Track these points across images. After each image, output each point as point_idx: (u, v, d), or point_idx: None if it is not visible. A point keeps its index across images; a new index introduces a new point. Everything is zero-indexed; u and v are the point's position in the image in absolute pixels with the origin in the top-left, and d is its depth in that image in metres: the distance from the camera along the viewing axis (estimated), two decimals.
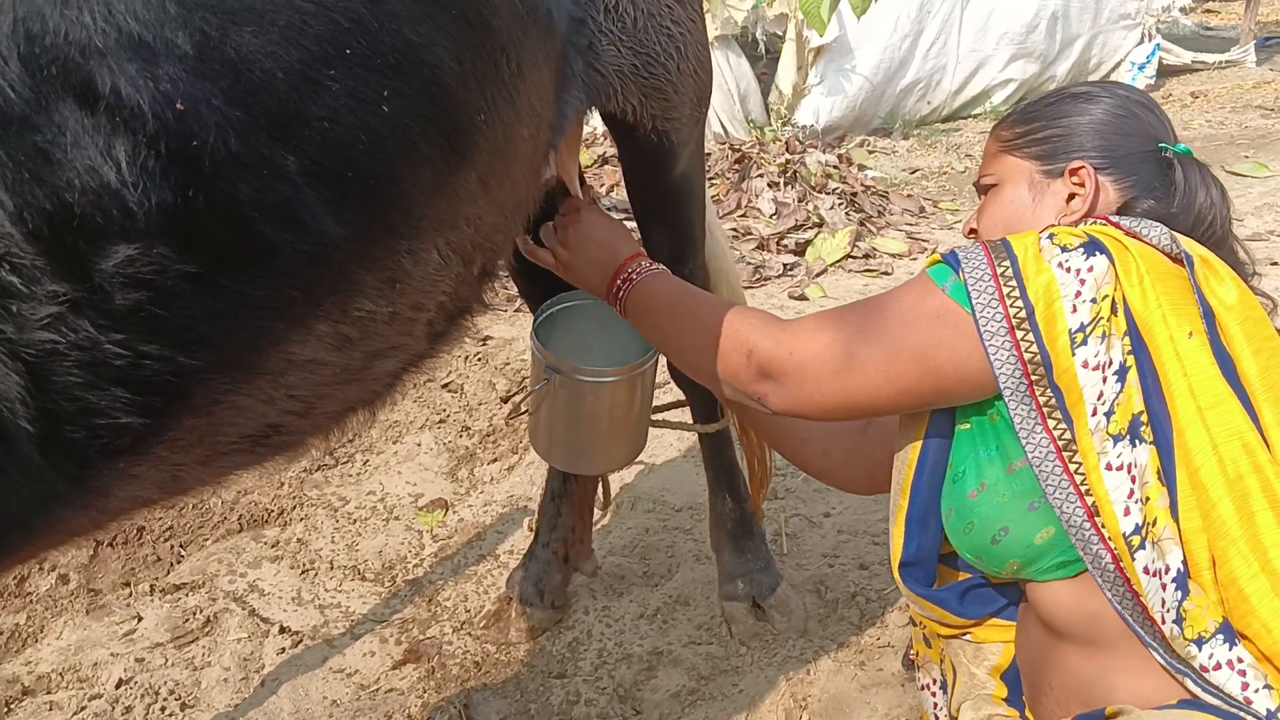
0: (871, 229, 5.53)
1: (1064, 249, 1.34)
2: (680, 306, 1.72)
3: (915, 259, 5.22)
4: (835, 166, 6.17)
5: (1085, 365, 1.30)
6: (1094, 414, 1.30)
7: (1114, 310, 1.31)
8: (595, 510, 2.76)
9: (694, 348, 1.65)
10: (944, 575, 1.59)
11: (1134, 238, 1.39)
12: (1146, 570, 1.27)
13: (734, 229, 5.38)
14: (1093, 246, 1.34)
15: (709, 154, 6.20)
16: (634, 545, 2.93)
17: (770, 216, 5.54)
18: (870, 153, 7.45)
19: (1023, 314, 1.33)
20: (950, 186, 6.78)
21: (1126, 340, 1.31)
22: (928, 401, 1.45)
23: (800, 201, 5.64)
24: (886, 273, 5.02)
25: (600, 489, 2.71)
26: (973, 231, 1.65)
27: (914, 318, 1.41)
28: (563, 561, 2.65)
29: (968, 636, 1.58)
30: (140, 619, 2.65)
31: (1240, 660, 1.24)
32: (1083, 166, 1.51)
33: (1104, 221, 1.44)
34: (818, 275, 4.96)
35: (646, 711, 2.36)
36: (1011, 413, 1.35)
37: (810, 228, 5.43)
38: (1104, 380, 1.29)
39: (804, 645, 2.52)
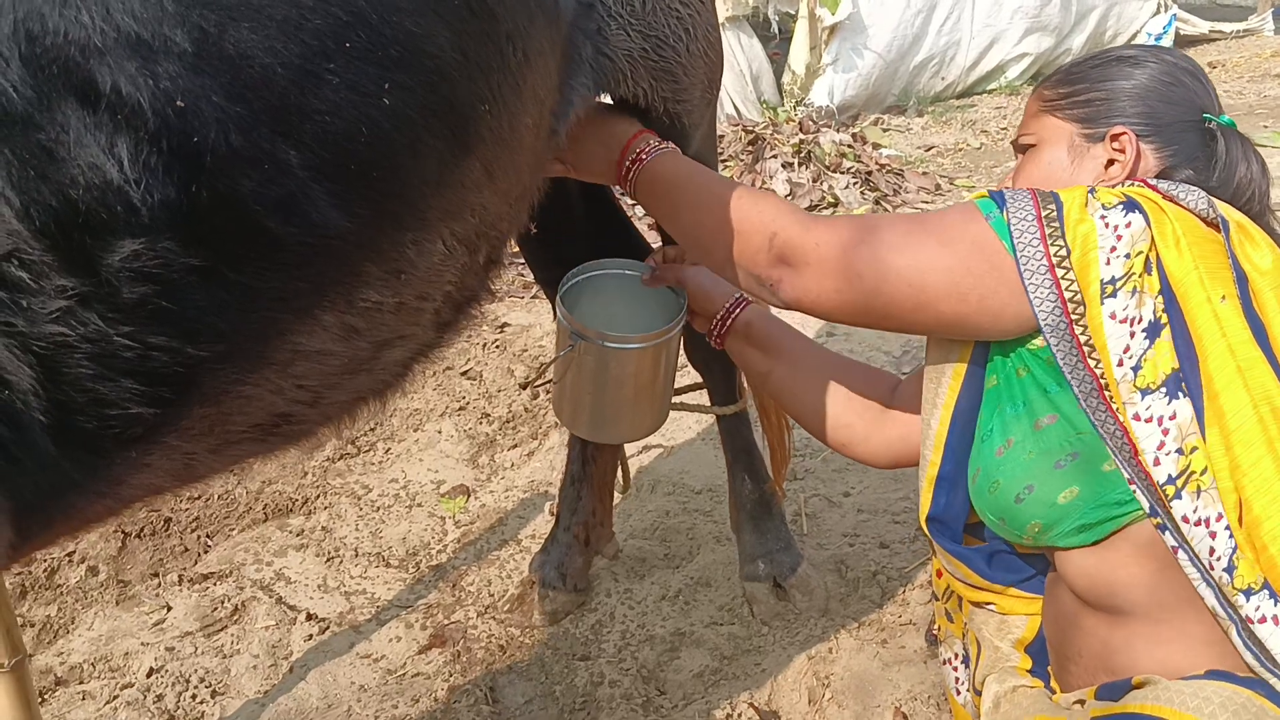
0: (887, 207, 5.51)
1: (1104, 206, 1.35)
2: (696, 184, 1.68)
3: None
4: (850, 145, 6.15)
5: (1112, 317, 1.31)
6: (1120, 365, 1.31)
7: (1147, 269, 1.32)
8: (615, 494, 2.78)
9: (709, 226, 1.62)
10: (969, 544, 1.60)
11: (1171, 201, 1.39)
12: (1186, 519, 1.28)
13: None
14: (1130, 206, 1.34)
15: (722, 136, 6.19)
16: (654, 528, 2.95)
17: (785, 197, 5.53)
18: (885, 131, 7.41)
19: (1063, 253, 1.34)
20: (966, 163, 6.74)
21: (1160, 300, 1.31)
22: (943, 325, 1.44)
23: (815, 181, 5.63)
24: None
25: (620, 472, 2.73)
26: None
27: (951, 238, 1.41)
28: (584, 545, 2.67)
29: (991, 607, 1.58)
30: (169, 609, 2.69)
31: None
32: (1124, 132, 1.49)
33: (1141, 183, 1.44)
34: None
35: (670, 692, 2.38)
36: (1054, 349, 1.36)
37: (825, 207, 5.42)
38: (1131, 335, 1.30)
39: (825, 624, 2.53)
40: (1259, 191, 1.51)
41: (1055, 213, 1.36)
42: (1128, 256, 1.32)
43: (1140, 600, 1.34)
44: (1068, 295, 1.34)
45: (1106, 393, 1.33)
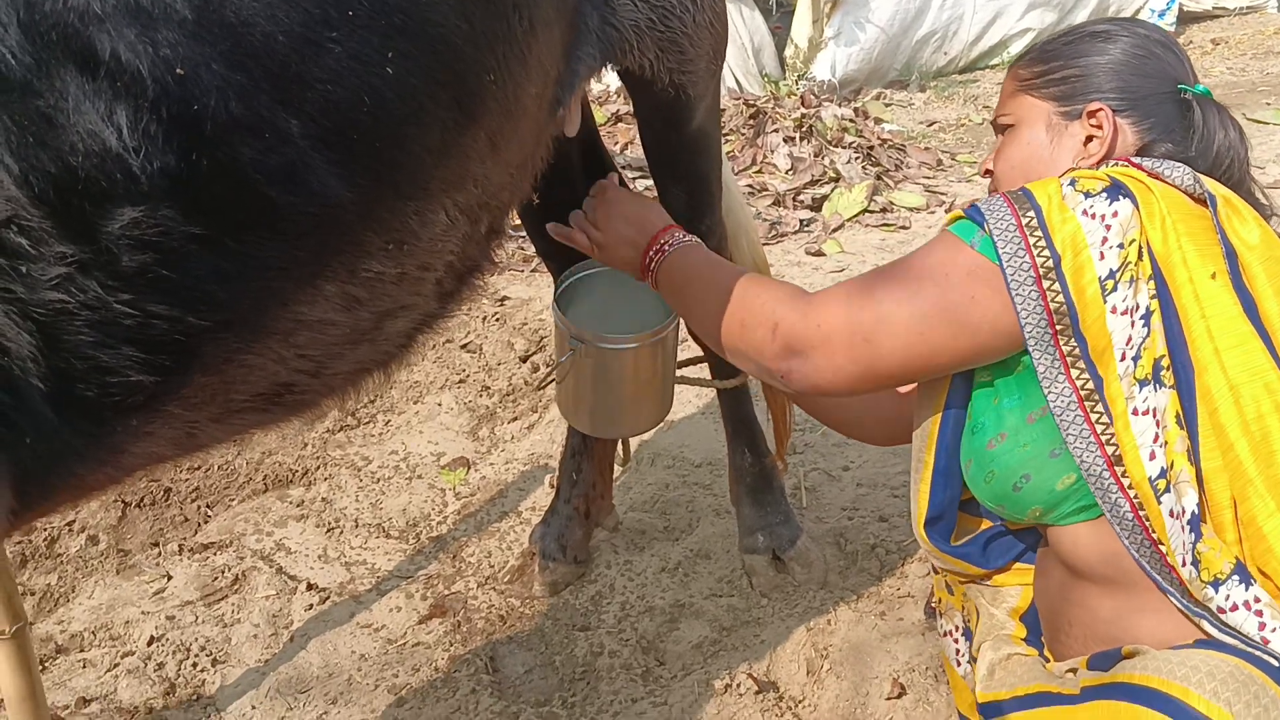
0: (889, 183, 5.49)
1: (1087, 194, 1.34)
2: (707, 279, 1.68)
3: (933, 212, 5.19)
4: (851, 120, 6.12)
5: (1114, 311, 1.30)
6: (1122, 359, 1.30)
7: (1140, 255, 1.31)
8: (615, 467, 2.78)
9: (718, 322, 1.62)
10: (964, 523, 1.61)
11: (1156, 179, 1.38)
12: (1171, 514, 1.28)
13: (749, 185, 5.35)
14: (1115, 190, 1.34)
15: (723, 110, 6.16)
16: (654, 501, 2.96)
17: (786, 172, 5.52)
18: (887, 106, 7.37)
19: (1050, 263, 1.32)
20: (968, 139, 6.71)
21: (1151, 284, 1.31)
22: (963, 360, 1.43)
23: (816, 156, 5.60)
24: (904, 227, 4.99)
25: (620, 446, 2.73)
26: (988, 172, 1.64)
27: (943, 275, 1.39)
28: (584, 517, 2.68)
29: (987, 580, 1.59)
30: (170, 578, 2.70)
31: (1258, 600, 1.26)
32: (1101, 109, 1.49)
33: (1125, 163, 1.43)
34: (834, 230, 4.93)
35: (669, 662, 2.39)
36: (1035, 362, 1.35)
37: (826, 183, 5.40)
38: (1132, 325, 1.30)
39: (824, 596, 2.55)
40: (1238, 158, 1.50)
41: (1035, 219, 1.35)
42: (1121, 246, 1.31)
43: (1131, 571, 1.35)
44: (1053, 306, 1.32)
45: (1086, 404, 1.33)
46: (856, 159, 5.57)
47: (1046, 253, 1.33)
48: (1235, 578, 1.26)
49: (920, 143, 6.38)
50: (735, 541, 2.68)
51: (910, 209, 5.21)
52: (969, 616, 1.67)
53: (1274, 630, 1.25)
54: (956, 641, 1.70)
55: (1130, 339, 1.30)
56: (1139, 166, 1.41)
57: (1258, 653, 1.24)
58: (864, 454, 3.11)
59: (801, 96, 6.51)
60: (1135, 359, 1.30)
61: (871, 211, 5.13)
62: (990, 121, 1.68)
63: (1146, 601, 1.35)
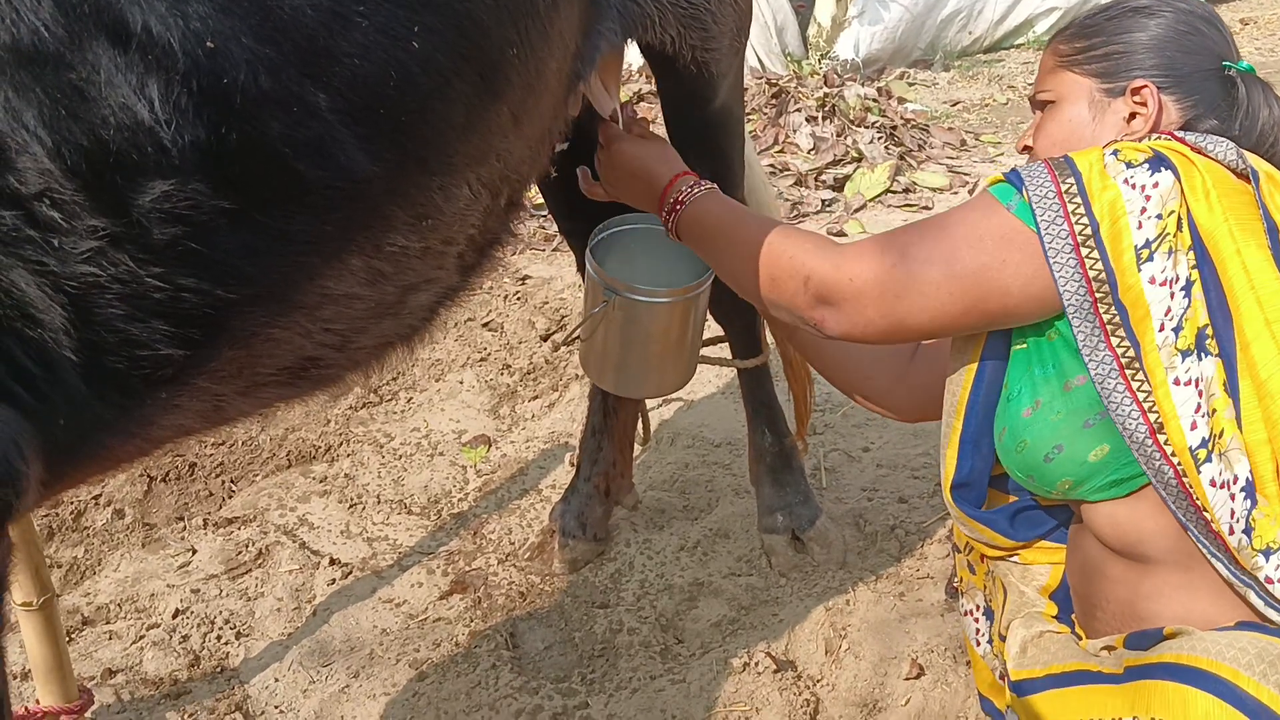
0: (911, 163, 5.46)
1: (1129, 164, 1.33)
2: (731, 231, 1.68)
3: (956, 193, 5.16)
4: (874, 100, 6.08)
5: (1152, 281, 1.29)
6: (1161, 330, 1.29)
7: (1179, 226, 1.30)
8: (635, 446, 2.79)
9: (747, 273, 1.62)
10: (993, 498, 1.60)
11: (1199, 153, 1.37)
12: (1213, 483, 1.27)
13: (771, 165, 5.33)
14: (1158, 162, 1.32)
15: (745, 89, 6.13)
16: (674, 480, 2.96)
17: (808, 152, 5.49)
18: (910, 85, 7.32)
19: (1088, 230, 1.32)
20: (992, 119, 6.66)
21: (1191, 255, 1.30)
22: (992, 321, 1.44)
23: (839, 136, 5.57)
24: (927, 207, 4.96)
25: (640, 424, 2.74)
26: (1027, 149, 1.62)
27: (978, 237, 1.39)
28: (604, 495, 2.69)
29: (1015, 559, 1.59)
30: (195, 552, 2.73)
31: None
32: (1145, 86, 1.47)
33: (1169, 137, 1.42)
34: (856, 211, 4.91)
35: (688, 640, 2.40)
36: (1075, 330, 1.35)
37: (849, 162, 5.37)
38: (1171, 296, 1.29)
39: (843, 577, 2.55)
40: None
41: (1075, 185, 1.34)
42: (1159, 217, 1.30)
43: (1168, 549, 1.34)
44: (1092, 275, 1.32)
45: (1128, 372, 1.32)
46: (879, 139, 5.54)
47: (1085, 220, 1.32)
48: None
49: (944, 123, 6.33)
50: (754, 521, 2.68)
51: (933, 189, 5.18)
52: (990, 596, 1.67)
53: None
54: (977, 621, 1.70)
55: (1170, 310, 1.29)
56: (1182, 140, 1.40)
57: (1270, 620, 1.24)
58: (884, 435, 3.10)
59: (824, 75, 6.47)
60: (1176, 330, 1.29)
61: (894, 192, 5.10)
62: (1028, 97, 1.65)
63: (1185, 579, 1.34)
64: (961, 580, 1.74)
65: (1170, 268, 1.29)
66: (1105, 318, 1.33)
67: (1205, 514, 1.29)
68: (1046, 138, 1.56)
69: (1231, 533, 1.27)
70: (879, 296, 1.45)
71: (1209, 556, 1.30)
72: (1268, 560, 1.25)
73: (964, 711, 2.14)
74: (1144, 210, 1.31)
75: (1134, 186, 1.32)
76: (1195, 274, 1.30)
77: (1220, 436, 1.28)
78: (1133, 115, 1.49)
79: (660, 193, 1.76)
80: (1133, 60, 1.50)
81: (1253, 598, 1.27)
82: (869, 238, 1.53)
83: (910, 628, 2.36)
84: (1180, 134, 1.42)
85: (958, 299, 1.41)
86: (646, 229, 2.00)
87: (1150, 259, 1.30)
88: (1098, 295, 1.32)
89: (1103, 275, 1.32)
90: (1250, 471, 1.27)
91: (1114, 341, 1.33)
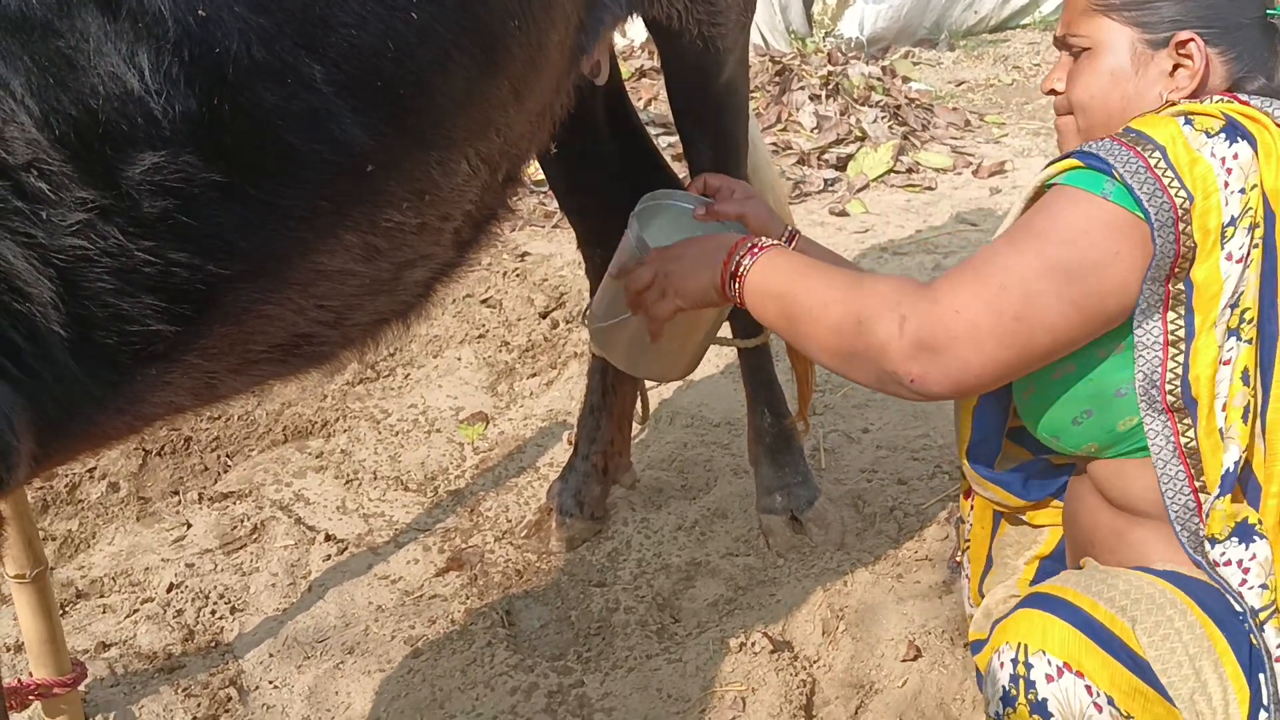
0: (915, 143, 5.43)
1: (1207, 134, 1.29)
2: (797, 291, 1.46)
3: (959, 173, 5.13)
4: (879, 79, 6.04)
5: (1229, 258, 1.28)
6: (1224, 307, 1.29)
7: (1259, 201, 1.29)
8: (634, 424, 2.78)
9: (825, 326, 1.41)
10: (1009, 451, 1.58)
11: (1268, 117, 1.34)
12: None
13: (774, 143, 5.30)
14: (1233, 130, 1.29)
15: (749, 66, 6.09)
16: (672, 459, 2.95)
17: (811, 130, 5.46)
18: (915, 64, 7.27)
19: (1186, 204, 1.27)
20: (997, 99, 6.62)
21: (1259, 230, 1.28)
22: (1110, 322, 1.34)
23: (842, 115, 5.54)
24: (930, 188, 4.93)
25: (639, 403, 2.72)
26: (1053, 91, 1.53)
27: (1082, 233, 1.30)
28: (602, 474, 2.68)
29: (1023, 516, 1.62)
30: (189, 526, 2.72)
31: (1254, 558, 1.30)
32: (1191, 38, 1.38)
33: (1233, 99, 1.37)
34: (859, 190, 4.88)
35: (685, 620, 2.39)
36: (1142, 297, 1.31)
37: (852, 142, 5.34)
38: (1241, 273, 1.29)
39: (841, 558, 2.54)
40: None
41: (1162, 159, 1.28)
42: (1242, 191, 1.27)
43: (1157, 502, 1.37)
44: (1184, 250, 1.28)
45: (1171, 349, 1.32)
46: (883, 118, 5.50)
47: (1183, 194, 1.27)
48: (1234, 538, 1.30)
49: (948, 102, 6.29)
50: (753, 501, 2.67)
51: (936, 169, 5.15)
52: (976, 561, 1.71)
53: (1251, 588, 1.29)
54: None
55: (1236, 287, 1.29)
56: (1246, 104, 1.35)
57: (1227, 596, 1.29)
58: (884, 416, 3.09)
59: (829, 54, 6.43)
60: (1233, 307, 1.29)
61: (897, 172, 5.07)
62: (1055, 37, 1.54)
63: (1167, 532, 1.38)
64: (963, 553, 1.75)
65: (1247, 244, 1.28)
66: (1172, 290, 1.30)
67: (1201, 495, 1.33)
68: (1084, 89, 1.47)
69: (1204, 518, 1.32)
70: (996, 324, 1.30)
71: (1177, 535, 1.35)
72: (1213, 548, 1.32)
73: (960, 693, 2.14)
74: (1227, 185, 1.27)
75: (1217, 158, 1.28)
76: (1257, 252, 1.28)
77: (1229, 425, 1.30)
78: (1176, 67, 1.41)
79: (719, 271, 1.54)
80: (1176, 9, 1.41)
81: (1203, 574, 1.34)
82: (954, 269, 1.37)
83: (908, 609, 2.35)
84: (1244, 97, 1.37)
85: (1079, 306, 1.30)
86: (670, 205, 1.90)
87: (1233, 236, 1.27)
88: (1178, 269, 1.29)
89: (1191, 252, 1.28)
90: (1235, 462, 1.30)
91: (1170, 316, 1.31)
